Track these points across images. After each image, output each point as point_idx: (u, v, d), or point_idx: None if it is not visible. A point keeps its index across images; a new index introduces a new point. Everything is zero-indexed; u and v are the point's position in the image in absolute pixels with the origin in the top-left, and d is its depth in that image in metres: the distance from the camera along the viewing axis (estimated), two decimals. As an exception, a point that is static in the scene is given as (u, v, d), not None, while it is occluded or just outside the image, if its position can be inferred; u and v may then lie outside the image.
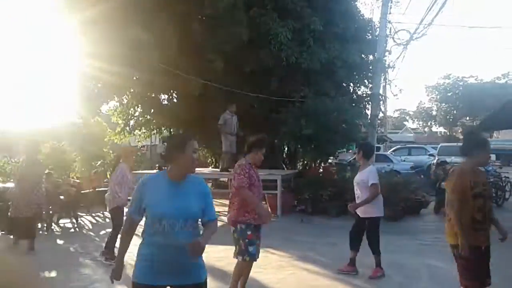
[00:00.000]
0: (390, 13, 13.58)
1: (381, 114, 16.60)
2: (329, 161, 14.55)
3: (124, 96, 12.94)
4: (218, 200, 12.36)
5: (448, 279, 4.84)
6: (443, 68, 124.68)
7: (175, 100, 13.79)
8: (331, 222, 8.75)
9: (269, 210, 8.29)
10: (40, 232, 7.97)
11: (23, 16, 10.79)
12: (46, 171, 8.93)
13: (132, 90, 12.46)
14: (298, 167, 13.40)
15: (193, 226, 2.51)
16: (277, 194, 9.69)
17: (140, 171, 11.50)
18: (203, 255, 2.51)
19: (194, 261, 2.46)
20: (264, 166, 6.57)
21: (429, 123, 56.12)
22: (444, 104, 45.40)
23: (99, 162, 13.25)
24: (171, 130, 13.86)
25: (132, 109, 13.81)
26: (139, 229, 2.60)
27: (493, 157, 15.75)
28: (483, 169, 4.46)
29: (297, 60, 10.52)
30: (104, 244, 6.03)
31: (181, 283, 2.45)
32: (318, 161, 12.86)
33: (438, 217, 9.42)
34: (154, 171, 11.15)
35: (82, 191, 10.58)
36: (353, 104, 12.42)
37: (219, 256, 5.67)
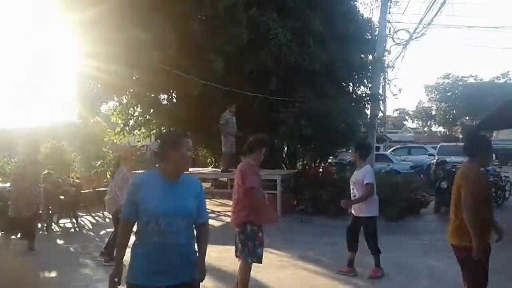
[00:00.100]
0: (389, 13, 13.53)
1: (380, 114, 16.55)
2: (329, 161, 14.55)
3: (124, 96, 12.95)
4: (218, 200, 12.36)
5: (448, 278, 4.85)
6: (443, 67, 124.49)
7: (174, 100, 13.78)
8: (331, 222, 8.74)
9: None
10: (40, 232, 7.97)
11: (23, 16, 10.82)
12: (46, 171, 8.96)
13: (131, 90, 12.45)
14: (298, 167, 13.37)
15: (188, 225, 2.52)
16: (276, 194, 9.68)
17: (140, 171, 11.46)
18: None
19: (189, 260, 2.49)
20: (263, 166, 6.55)
21: (428, 123, 56.02)
22: (443, 103, 45.39)
23: (98, 162, 13.26)
24: (171, 130, 13.85)
25: (131, 109, 13.82)
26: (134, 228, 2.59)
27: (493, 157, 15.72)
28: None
29: (296, 60, 10.51)
30: (104, 244, 6.03)
31: (176, 282, 2.44)
32: (318, 161, 12.86)
33: (438, 217, 9.43)
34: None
35: (82, 191, 10.58)
36: (353, 104, 12.43)
37: (219, 256, 5.67)
